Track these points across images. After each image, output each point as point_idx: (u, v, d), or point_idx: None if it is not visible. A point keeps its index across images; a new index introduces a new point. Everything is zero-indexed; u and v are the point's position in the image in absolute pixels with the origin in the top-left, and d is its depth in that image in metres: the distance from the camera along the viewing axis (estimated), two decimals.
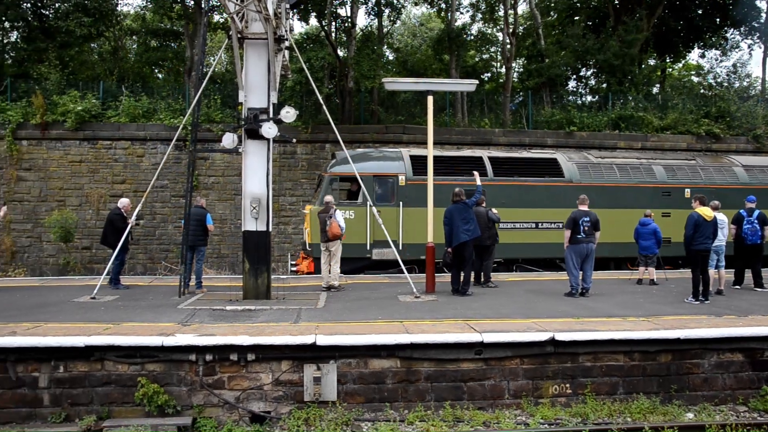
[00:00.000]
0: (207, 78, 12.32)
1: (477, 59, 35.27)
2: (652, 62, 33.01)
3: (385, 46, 29.90)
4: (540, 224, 17.31)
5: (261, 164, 11.38)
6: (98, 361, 8.39)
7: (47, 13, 25.69)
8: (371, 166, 17.46)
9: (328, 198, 13.19)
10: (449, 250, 12.40)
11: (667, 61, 33.45)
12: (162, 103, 22.36)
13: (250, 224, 11.39)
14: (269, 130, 10.96)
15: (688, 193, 18.20)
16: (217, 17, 26.87)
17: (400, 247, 16.78)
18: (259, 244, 11.39)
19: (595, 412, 8.49)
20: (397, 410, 8.44)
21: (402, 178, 17.20)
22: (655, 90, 31.09)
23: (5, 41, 26.83)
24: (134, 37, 31.62)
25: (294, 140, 13.58)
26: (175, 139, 13.01)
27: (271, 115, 11.23)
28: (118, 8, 28.60)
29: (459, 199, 12.42)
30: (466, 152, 19.13)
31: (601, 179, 18.22)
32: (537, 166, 18.09)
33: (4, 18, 25.56)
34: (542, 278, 15.17)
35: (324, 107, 12.48)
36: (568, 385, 8.83)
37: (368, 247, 16.91)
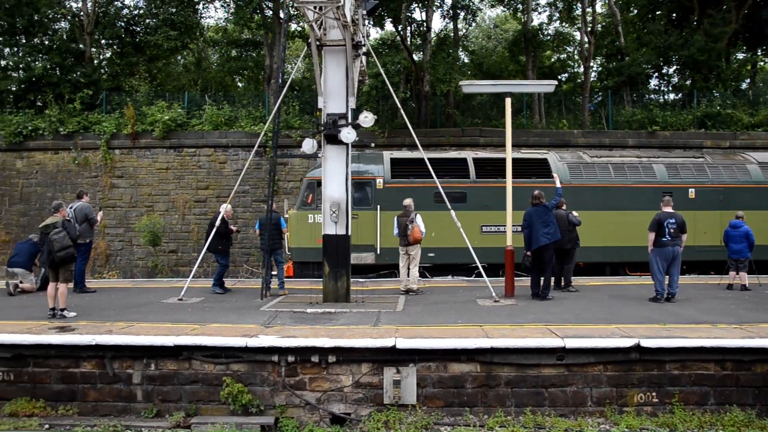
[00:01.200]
0: (287, 86, 12.54)
1: (554, 59, 34.59)
2: (740, 56, 31.46)
3: (460, 49, 29.72)
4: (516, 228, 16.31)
5: (340, 169, 11.50)
6: (186, 360, 8.67)
7: (138, 29, 26.89)
8: (353, 170, 17.21)
9: (408, 201, 13.15)
10: (528, 253, 12.17)
11: (758, 54, 31.80)
12: (243, 111, 22.97)
13: (329, 228, 11.53)
14: (348, 135, 11.07)
15: (692, 193, 17.13)
16: (294, 26, 27.42)
17: (378, 251, 16.74)
18: (339, 248, 11.51)
19: (684, 422, 8.12)
20: (477, 415, 8.34)
21: (380, 182, 17.03)
22: (744, 85, 29.59)
23: (102, 58, 28.26)
24: (216, 47, 32.69)
25: (372, 145, 13.65)
26: (257, 145, 13.31)
27: (349, 120, 11.34)
28: (202, 21, 29.65)
29: (538, 201, 12.18)
30: (451, 154, 18.65)
31: (593, 179, 17.35)
32: (524, 167, 17.03)
33: (102, 37, 26.97)
34: (625, 282, 14.68)
35: (401, 111, 12.51)
36: (654, 394, 8.47)
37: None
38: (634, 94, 26.49)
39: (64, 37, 26.13)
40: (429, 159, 17.14)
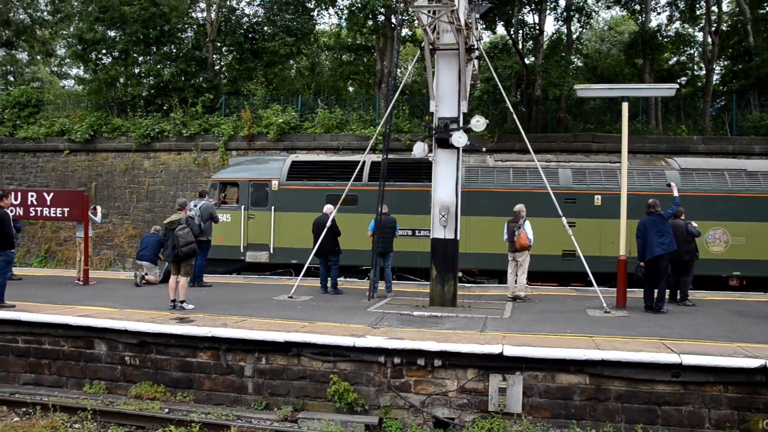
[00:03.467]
0: (399, 90, 12.62)
1: (673, 61, 32.89)
2: None
3: (573, 53, 28.84)
4: (417, 231, 15.21)
5: (450, 173, 11.44)
6: (295, 357, 8.88)
7: (256, 36, 27.99)
8: (251, 172, 17.96)
9: (519, 207, 12.85)
10: (642, 264, 11.60)
11: None
12: (354, 115, 23.34)
13: (438, 232, 11.48)
14: (459, 139, 10.98)
15: (598, 199, 15.85)
16: (405, 30, 27.58)
17: (272, 251, 17.07)
18: (447, 252, 11.43)
19: None
20: (585, 429, 8.02)
21: (275, 183, 17.31)
22: None
23: (222, 64, 29.64)
24: (329, 53, 33.45)
25: (484, 149, 13.49)
26: (368, 148, 13.46)
27: (461, 125, 11.25)
28: (316, 27, 30.44)
29: (653, 210, 11.56)
30: (353, 157, 18.54)
31: (489, 184, 16.46)
32: (420, 171, 16.03)
33: (223, 44, 28.33)
34: (748, 299, 13.69)
35: (514, 115, 12.27)
36: None
37: (242, 250, 17.23)
38: (762, 98, 24.70)
39: (190, 45, 27.55)
40: (328, 162, 18.02)
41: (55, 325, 9.98)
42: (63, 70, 47.36)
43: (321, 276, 13.63)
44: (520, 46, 25.35)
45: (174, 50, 27.73)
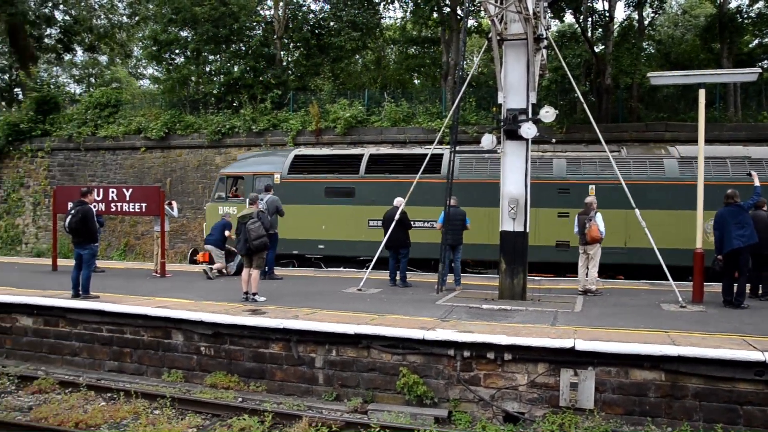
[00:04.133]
0: (467, 81, 12.50)
1: (754, 44, 31.33)
2: None
3: (645, 39, 27.83)
4: (413, 223, 14.59)
5: (519, 165, 11.27)
6: (365, 349, 8.96)
7: (322, 32, 28.28)
8: (255, 166, 18.75)
9: (590, 199, 12.54)
10: (719, 257, 11.12)
11: None
12: (420, 108, 23.27)
13: (507, 224, 11.34)
14: (528, 130, 10.80)
15: (592, 189, 15.19)
16: (471, 21, 27.28)
17: None
18: (516, 245, 11.29)
19: None
20: (660, 426, 7.79)
21: (277, 177, 17.87)
22: None
23: (290, 60, 30.09)
24: (394, 46, 33.45)
25: (554, 140, 13.22)
26: (436, 141, 13.39)
27: (529, 116, 11.06)
28: (382, 21, 30.49)
29: (732, 201, 11.06)
30: (353, 150, 19.08)
31: (483, 175, 16.29)
32: (415, 163, 15.95)
33: (290, 41, 28.76)
34: None
35: (584, 105, 11.97)
36: None
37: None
38: None
39: (258, 42, 28.06)
40: (327, 155, 18.40)
41: (135, 315, 10.40)
42: (139, 70, 49.18)
43: (390, 269, 13.67)
44: (590, 34, 24.68)
45: (243, 48, 28.31)
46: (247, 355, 9.68)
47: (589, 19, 24.96)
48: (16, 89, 41.70)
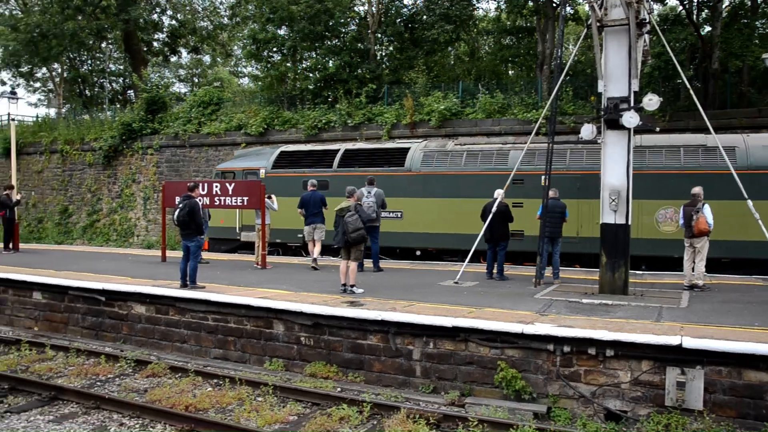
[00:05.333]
0: (566, 69, 12.15)
1: None
2: None
3: (759, 18, 26.06)
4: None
5: (621, 155, 10.85)
6: (463, 342, 8.92)
7: (416, 26, 28.28)
8: (245, 162, 20.59)
9: (697, 190, 11.91)
10: None
11: None
12: (515, 98, 22.86)
13: (608, 217, 10.97)
14: (630, 119, 10.38)
15: (544, 180, 14.42)
16: (567, 9, 26.50)
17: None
18: (617, 238, 10.90)
19: None
20: None
21: (263, 171, 19.54)
22: None
23: (384, 54, 30.31)
24: (488, 37, 33.00)
25: (658, 129, 12.65)
26: (533, 133, 13.12)
27: (631, 104, 10.63)
28: (475, 12, 30.15)
29: None
30: (333, 146, 20.41)
31: (443, 167, 17.30)
32: (384, 157, 18.25)
33: (384, 35, 28.97)
34: None
35: (690, 91, 11.37)
36: None
37: (238, 231, 19.79)
38: None
39: (353, 38, 28.42)
40: (308, 151, 20.20)
41: (238, 305, 10.81)
42: (239, 69, 50.97)
43: (488, 262, 13.54)
44: (695, 17, 23.39)
45: (338, 44, 28.76)
46: (346, 345, 9.85)
47: (695, 0, 23.66)
48: (129, 91, 44.30)
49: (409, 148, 18.30)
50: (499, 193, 12.90)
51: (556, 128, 12.25)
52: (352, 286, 11.55)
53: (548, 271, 13.03)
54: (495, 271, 13.42)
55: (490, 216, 12.66)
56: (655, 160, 15.44)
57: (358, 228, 11.25)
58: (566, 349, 8.25)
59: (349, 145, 19.90)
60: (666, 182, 14.96)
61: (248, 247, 19.67)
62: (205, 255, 15.75)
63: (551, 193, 12.44)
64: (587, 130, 11.06)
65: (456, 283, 12.57)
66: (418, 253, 17.58)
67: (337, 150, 19.43)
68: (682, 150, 15.49)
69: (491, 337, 8.70)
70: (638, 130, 11.58)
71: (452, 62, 32.39)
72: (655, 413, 7.79)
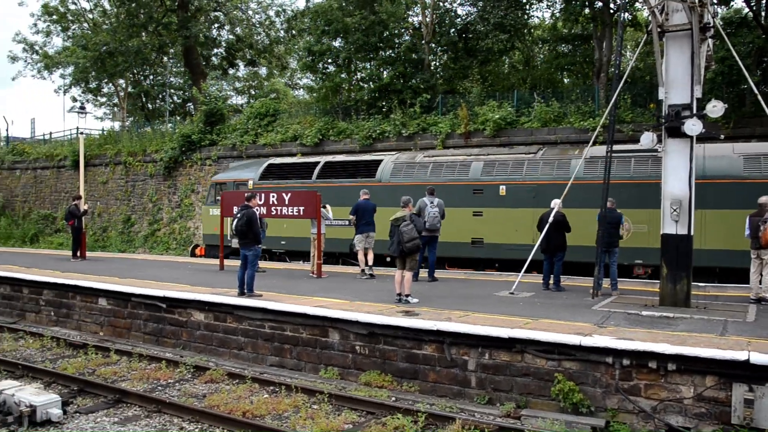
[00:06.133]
0: (624, 77, 11.90)
1: None
2: None
3: None
4: (351, 222, 15.95)
5: (683, 164, 10.54)
6: (519, 353, 8.80)
7: (470, 35, 28.21)
8: (236, 174, 22.50)
9: (764, 199, 11.48)
10: None
11: None
12: (571, 107, 22.51)
13: (669, 227, 10.66)
14: (693, 127, 10.08)
15: (503, 190, 16.63)
16: (624, 15, 25.98)
17: None
18: (679, 249, 10.57)
19: None
20: None
21: (250, 183, 21.23)
22: None
23: (438, 64, 30.33)
24: (543, 45, 32.63)
25: (722, 136, 12.25)
26: (591, 141, 12.92)
27: (694, 111, 10.34)
28: (530, 21, 29.90)
29: None
30: (312, 159, 22.02)
31: (410, 178, 18.35)
32: (358, 169, 19.67)
33: (438, 45, 29.02)
34: None
35: (759, 97, 10.97)
36: None
37: (230, 238, 20.06)
38: None
39: (407, 48, 28.51)
40: (292, 163, 21.78)
41: (295, 314, 10.95)
42: (294, 81, 51.83)
43: (544, 273, 13.35)
44: (762, 19, 22.60)
45: (392, 54, 28.93)
46: (401, 355, 9.86)
47: (763, 1, 22.87)
48: (188, 104, 45.61)
49: (381, 160, 19.59)
50: (556, 203, 12.71)
51: (614, 137, 11.97)
52: (407, 295, 11.55)
53: (606, 282, 12.75)
54: (551, 281, 13.21)
55: (547, 226, 12.49)
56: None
57: (414, 238, 11.25)
58: (626, 362, 8.05)
59: (329, 158, 21.33)
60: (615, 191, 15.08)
61: (238, 253, 20.14)
62: (261, 263, 16.03)
63: (609, 204, 12.17)
64: (647, 139, 10.80)
65: (511, 293, 12.43)
66: (388, 259, 17.76)
67: (318, 162, 20.95)
68: (632, 160, 15.68)
69: (548, 348, 8.57)
70: (701, 138, 11.23)
71: (507, 71, 32.14)
72: (721, 430, 7.52)
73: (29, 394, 8.33)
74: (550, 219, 12.49)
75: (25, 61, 47.00)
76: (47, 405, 8.21)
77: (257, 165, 22.56)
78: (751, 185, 13.80)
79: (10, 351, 12.47)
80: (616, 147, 12.07)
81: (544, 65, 31.67)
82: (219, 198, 21.21)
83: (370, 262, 15.46)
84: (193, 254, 23.97)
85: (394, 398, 9.20)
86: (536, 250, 12.85)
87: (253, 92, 51.25)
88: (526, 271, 12.85)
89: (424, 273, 14.91)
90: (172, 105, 46.09)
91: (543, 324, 9.30)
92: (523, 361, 8.79)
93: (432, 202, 14.46)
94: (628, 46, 31.02)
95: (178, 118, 41.42)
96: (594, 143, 13.38)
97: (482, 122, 22.71)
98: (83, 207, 21.33)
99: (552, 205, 12.84)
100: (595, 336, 8.39)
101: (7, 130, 45.83)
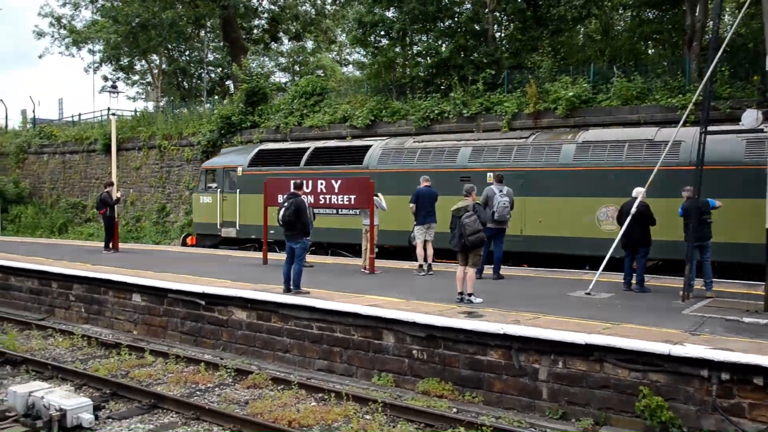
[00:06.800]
0: (723, 45, 11.45)
1: None
2: None
3: None
4: (339, 210, 17.94)
5: None
6: (597, 362, 8.61)
7: (539, 2, 27.68)
8: (226, 160, 24.32)
9: None
10: None
11: None
12: (657, 82, 21.88)
13: None
14: None
15: (490, 177, 16.78)
16: None
17: (237, 227, 22.86)
18: None
19: None
20: None
21: (240, 170, 23.02)
22: None
23: (503, 35, 29.86)
24: (624, 11, 31.77)
25: None
26: (682, 121, 12.49)
27: None
28: None
29: None
30: (304, 144, 23.61)
31: (397, 165, 19.54)
32: (346, 155, 21.07)
33: (503, 14, 28.56)
34: None
35: None
36: None
37: (218, 227, 23.21)
38: None
39: (468, 18, 28.15)
40: (281, 149, 23.57)
41: (345, 313, 10.97)
42: (343, 56, 52.03)
43: (625, 270, 13.03)
44: None
45: (452, 25, 28.64)
46: (463, 361, 9.76)
47: None
48: (227, 82, 46.29)
49: (370, 146, 20.89)
50: (639, 192, 12.38)
51: (709, 115, 11.55)
52: (469, 294, 11.44)
53: (698, 283, 12.36)
54: (634, 281, 12.88)
55: (629, 218, 12.15)
56: (597, 157, 16.63)
57: (477, 230, 11.12)
58: (725, 376, 7.75)
59: (319, 144, 22.85)
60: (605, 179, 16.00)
61: (228, 242, 23.54)
62: (308, 257, 16.16)
63: (686, 193, 11.73)
64: (750, 117, 10.43)
65: (588, 294, 12.18)
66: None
67: (307, 148, 22.32)
68: (626, 145, 16.51)
69: (631, 357, 8.33)
70: None
71: (582, 42, 31.43)
72: None
73: (59, 397, 8.54)
74: (633, 210, 12.13)
75: (52, 36, 48.50)
76: (78, 409, 8.40)
77: (247, 151, 24.24)
78: None
79: (39, 350, 12.87)
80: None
81: (625, 34, 30.78)
82: (210, 185, 24.29)
83: (430, 257, 15.39)
84: (184, 243, 25.56)
85: (455, 409, 9.11)
86: (616, 245, 12.57)
87: (297, 69, 51.68)
88: (604, 270, 12.59)
89: (488, 270, 14.75)
90: (210, 83, 46.85)
91: (625, 329, 9.07)
92: (603, 372, 8.58)
93: (501, 191, 14.29)
94: (727, 9, 29.90)
95: (217, 97, 42.08)
96: (684, 124, 12.93)
97: (553, 101, 22.28)
98: (116, 195, 21.83)
99: (634, 194, 12.51)
100: (687, 345, 8.11)
101: (33, 111, 47.31)
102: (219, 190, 23.55)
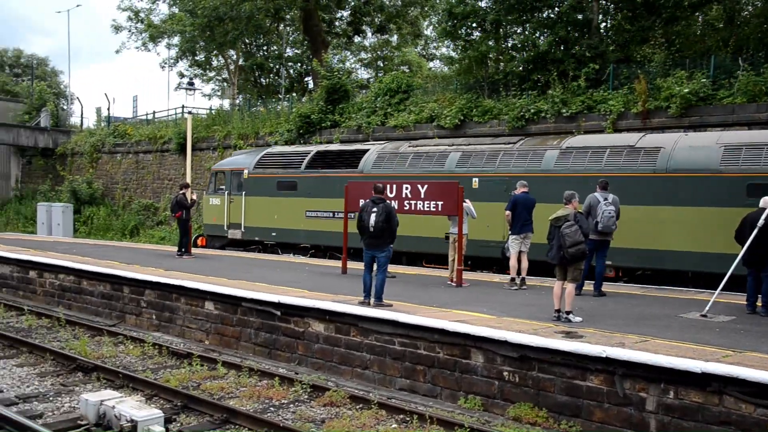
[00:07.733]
0: None
1: None
2: None
3: None
4: (336, 213, 19.50)
5: None
6: (716, 394, 8.29)
7: None
8: (234, 162, 26.29)
9: None
10: None
11: None
12: None
13: None
14: None
15: (475, 183, 18.54)
16: None
17: (243, 229, 24.72)
18: None
19: None
20: None
21: (246, 172, 24.86)
22: None
23: (609, 25, 29.21)
24: None
25: None
26: None
27: None
28: None
29: None
30: (308, 147, 25.59)
31: (390, 169, 20.91)
32: (342, 159, 22.70)
33: (610, 2, 27.95)
34: None
35: None
36: None
37: (226, 228, 25.14)
38: None
39: (570, 7, 27.68)
40: (285, 152, 25.33)
41: (431, 329, 10.95)
42: (430, 51, 52.17)
43: (748, 291, 12.53)
44: None
45: (551, 15, 28.28)
46: (559, 386, 9.61)
47: None
48: (307, 78, 47.14)
49: (367, 150, 22.49)
50: (766, 202, 11.87)
51: None
52: (568, 312, 11.26)
53: None
54: (759, 303, 12.36)
55: (755, 231, 11.66)
56: (578, 164, 17.65)
57: (578, 242, 10.93)
58: None
59: (321, 147, 24.76)
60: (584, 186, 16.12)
61: (235, 244, 25.62)
62: (390, 268, 16.27)
63: None
64: None
65: (704, 316, 11.77)
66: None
67: (309, 151, 24.12)
68: (608, 151, 17.48)
69: (758, 391, 7.96)
70: None
71: (701, 32, 30.38)
72: None
73: (130, 408, 8.87)
74: (760, 222, 11.62)
75: (129, 30, 50.61)
76: (149, 421, 8.70)
77: (254, 154, 26.20)
78: None
79: (110, 357, 13.40)
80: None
81: (755, 21, 29.54)
82: (221, 187, 26.18)
83: (524, 271, 15.22)
84: (195, 244, 26.33)
85: None
86: (738, 263, 12.09)
87: (381, 65, 52.11)
88: (723, 290, 12.12)
89: (589, 286, 14.46)
90: (289, 80, 47.80)
91: (750, 358, 8.72)
92: (722, 405, 8.25)
93: (606, 199, 14.00)
94: None
95: (295, 95, 42.87)
96: None
97: (666, 98, 21.65)
98: (191, 197, 22.48)
99: (761, 204, 12.00)
100: None
101: (108, 109, 49.41)
102: (226, 192, 25.63)
